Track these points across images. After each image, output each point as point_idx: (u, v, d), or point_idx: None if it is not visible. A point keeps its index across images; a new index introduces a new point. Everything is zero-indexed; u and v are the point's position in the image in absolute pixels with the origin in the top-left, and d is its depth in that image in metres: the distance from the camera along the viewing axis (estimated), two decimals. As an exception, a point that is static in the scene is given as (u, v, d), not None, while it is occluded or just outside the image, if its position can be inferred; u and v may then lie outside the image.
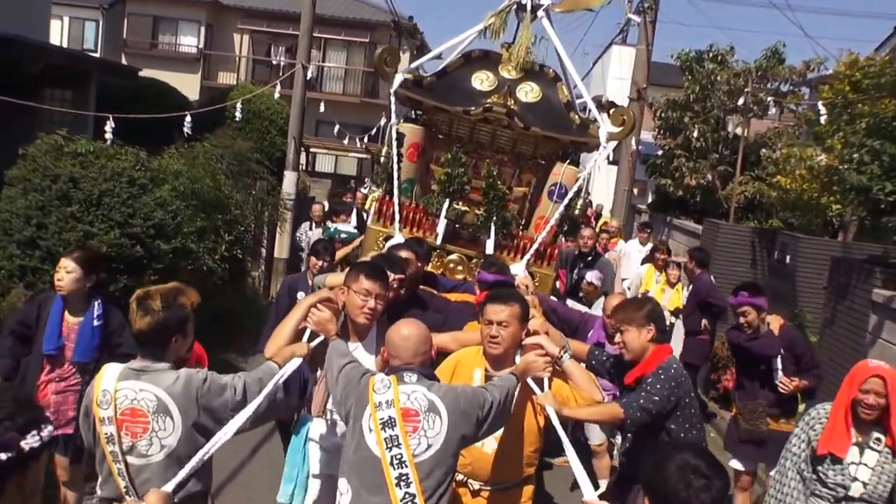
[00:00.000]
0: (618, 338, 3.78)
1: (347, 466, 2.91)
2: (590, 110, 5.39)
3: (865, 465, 3.44)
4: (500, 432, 3.29)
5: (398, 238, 4.90)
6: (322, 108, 20.14)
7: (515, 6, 5.35)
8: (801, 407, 5.30)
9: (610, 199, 15.58)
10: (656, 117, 16.58)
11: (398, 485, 2.71)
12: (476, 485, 3.43)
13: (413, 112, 5.41)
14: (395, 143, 5.05)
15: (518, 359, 3.41)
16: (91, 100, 10.21)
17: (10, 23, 9.43)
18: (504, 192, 4.99)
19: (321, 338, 3.31)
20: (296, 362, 3.15)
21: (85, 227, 6.10)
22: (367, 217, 7.21)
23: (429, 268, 4.77)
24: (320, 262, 5.81)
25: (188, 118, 8.75)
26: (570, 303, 6.84)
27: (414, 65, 5.69)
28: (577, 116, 5.23)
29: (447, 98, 5.07)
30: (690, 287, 7.90)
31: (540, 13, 5.32)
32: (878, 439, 3.44)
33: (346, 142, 22.00)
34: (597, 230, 11.28)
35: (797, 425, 3.76)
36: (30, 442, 1.76)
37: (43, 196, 6.18)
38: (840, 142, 9.30)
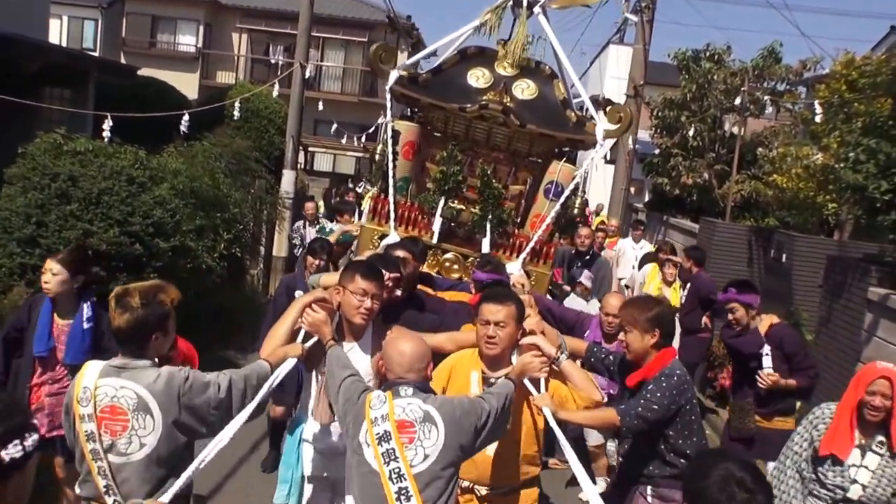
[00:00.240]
0: (621, 335, 3.71)
1: (352, 483, 2.90)
2: (586, 108, 5.33)
3: (866, 467, 3.40)
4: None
5: (393, 236, 4.85)
6: (320, 107, 20.23)
7: (511, 2, 5.27)
8: (797, 405, 5.35)
9: (607, 197, 15.60)
10: (653, 116, 16.62)
11: (398, 499, 2.69)
12: (482, 490, 3.40)
13: (408, 109, 5.34)
14: (390, 141, 5.00)
15: (514, 359, 3.38)
16: (90, 99, 10.20)
17: (10, 22, 9.45)
18: (500, 190, 4.94)
19: (315, 339, 3.29)
20: (290, 363, 3.14)
21: (84, 226, 6.12)
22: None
23: (424, 267, 4.74)
24: (317, 261, 5.79)
25: (185, 117, 8.77)
26: (569, 300, 6.84)
27: (409, 61, 5.63)
28: (573, 114, 5.17)
29: (443, 95, 5.00)
30: (688, 286, 7.91)
31: (536, 9, 5.25)
32: (881, 442, 3.41)
33: (343, 141, 22.03)
34: (593, 229, 11.33)
35: (800, 424, 3.71)
36: (11, 452, 1.68)
37: (42, 194, 6.21)
38: (836, 141, 9.34)
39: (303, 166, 18.18)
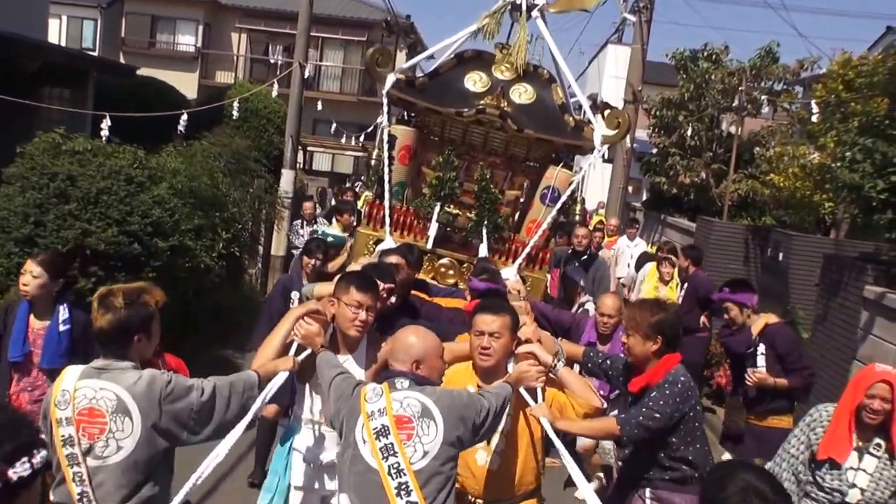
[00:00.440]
0: (623, 338, 3.66)
1: (345, 482, 2.82)
2: (584, 112, 5.28)
3: (864, 470, 3.38)
4: (497, 447, 3.26)
5: (389, 242, 4.79)
6: (319, 107, 20.27)
7: (510, 6, 5.24)
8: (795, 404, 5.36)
9: (605, 197, 15.64)
10: (651, 116, 16.64)
11: (399, 494, 2.63)
12: (481, 503, 3.34)
13: (405, 114, 5.30)
14: (386, 146, 4.94)
15: (510, 368, 3.33)
16: (89, 98, 10.21)
17: (9, 21, 9.47)
18: (496, 195, 4.89)
19: (308, 351, 3.22)
20: (282, 377, 3.06)
21: (83, 225, 6.12)
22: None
23: (419, 272, 4.68)
24: (313, 261, 5.74)
25: (184, 117, 8.79)
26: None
27: (406, 65, 5.58)
28: (571, 119, 5.12)
29: (440, 99, 4.96)
30: (685, 285, 7.89)
31: (534, 13, 5.21)
32: (879, 445, 3.39)
33: (342, 140, 22.06)
34: (592, 228, 11.33)
35: (797, 426, 3.67)
36: (18, 471, 1.63)
37: (41, 194, 6.21)
38: (833, 140, 9.38)
39: (302, 166, 18.18)
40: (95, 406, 2.63)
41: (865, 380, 3.41)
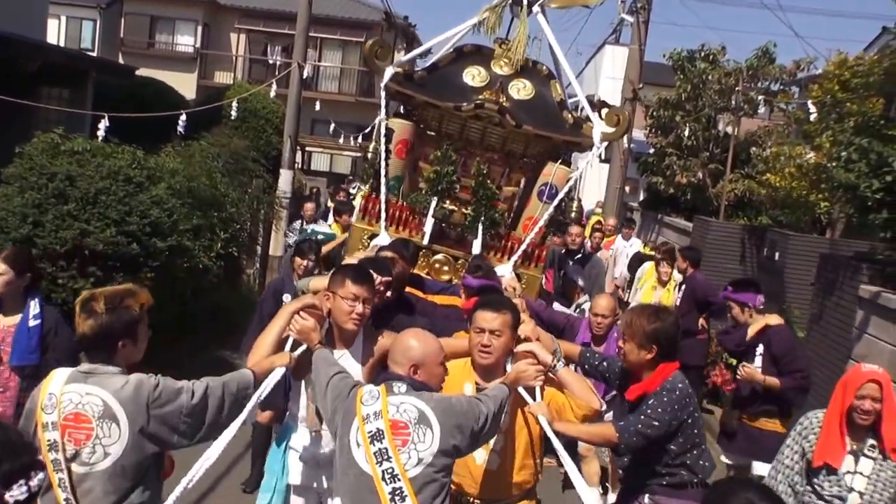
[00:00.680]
0: (620, 342, 3.61)
1: (339, 486, 2.77)
2: (583, 109, 5.18)
3: (861, 473, 3.34)
4: (495, 446, 3.21)
5: (384, 237, 4.73)
6: (318, 107, 20.29)
7: (510, 1, 5.15)
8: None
9: (602, 197, 15.66)
10: (648, 116, 16.68)
11: (393, 500, 2.57)
12: (477, 503, 3.29)
13: (402, 107, 5.20)
14: (383, 139, 4.87)
15: (509, 366, 3.27)
16: (88, 99, 10.23)
17: (9, 22, 9.48)
18: (494, 191, 4.83)
19: (304, 347, 3.16)
20: (278, 373, 3.01)
21: (81, 225, 6.13)
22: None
23: (415, 268, 4.63)
24: (305, 262, 5.67)
25: (182, 117, 8.80)
26: (556, 305, 6.79)
27: (405, 58, 5.49)
28: (570, 115, 5.05)
29: (438, 93, 4.88)
30: (683, 287, 7.83)
31: (535, 8, 5.13)
32: (873, 446, 3.35)
33: (341, 140, 22.09)
34: (589, 228, 11.33)
35: (789, 436, 3.61)
36: (15, 494, 1.60)
37: (39, 194, 6.22)
38: (828, 140, 9.44)
39: (300, 166, 18.21)
40: (81, 411, 2.57)
41: (854, 381, 3.37)
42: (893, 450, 3.32)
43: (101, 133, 7.35)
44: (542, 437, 3.28)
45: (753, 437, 5.02)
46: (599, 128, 4.93)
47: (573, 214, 5.54)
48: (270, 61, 26.94)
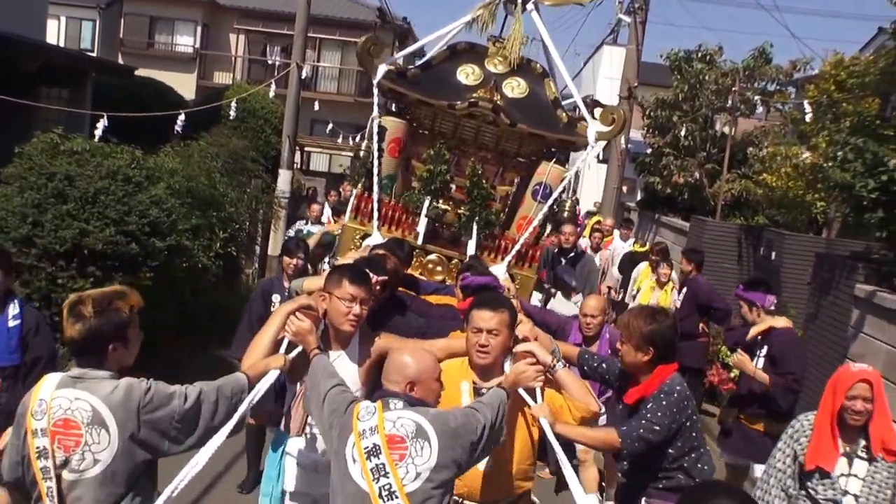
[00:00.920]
0: (618, 344, 3.59)
1: (335, 500, 2.70)
2: (578, 108, 5.08)
3: (855, 475, 3.28)
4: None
5: (376, 236, 4.65)
6: (316, 108, 20.33)
7: None
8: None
9: (599, 197, 15.69)
10: (645, 116, 16.71)
11: None
12: None
13: (394, 105, 5.12)
14: (375, 138, 4.78)
15: (508, 366, 3.22)
16: (87, 99, 10.26)
17: (9, 22, 9.51)
18: (488, 190, 4.76)
19: (300, 348, 3.08)
20: (273, 376, 2.95)
21: (80, 225, 6.14)
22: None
23: (408, 268, 4.53)
24: (294, 261, 5.61)
25: (181, 118, 8.83)
26: (554, 302, 6.75)
27: (398, 55, 5.41)
28: (564, 114, 4.96)
29: (431, 91, 4.80)
30: (685, 290, 7.76)
31: (529, 6, 5.02)
32: (866, 447, 3.28)
33: (339, 140, 22.11)
34: (589, 228, 11.36)
35: (780, 439, 3.54)
36: None
37: (39, 194, 6.24)
38: (825, 140, 9.48)
39: (299, 166, 18.23)
40: (70, 417, 2.51)
41: (844, 381, 3.31)
42: (885, 450, 3.26)
43: (98, 132, 7.36)
44: (540, 439, 3.25)
45: (752, 439, 5.02)
46: (595, 127, 4.86)
47: (566, 213, 5.50)
48: (269, 62, 26.97)
